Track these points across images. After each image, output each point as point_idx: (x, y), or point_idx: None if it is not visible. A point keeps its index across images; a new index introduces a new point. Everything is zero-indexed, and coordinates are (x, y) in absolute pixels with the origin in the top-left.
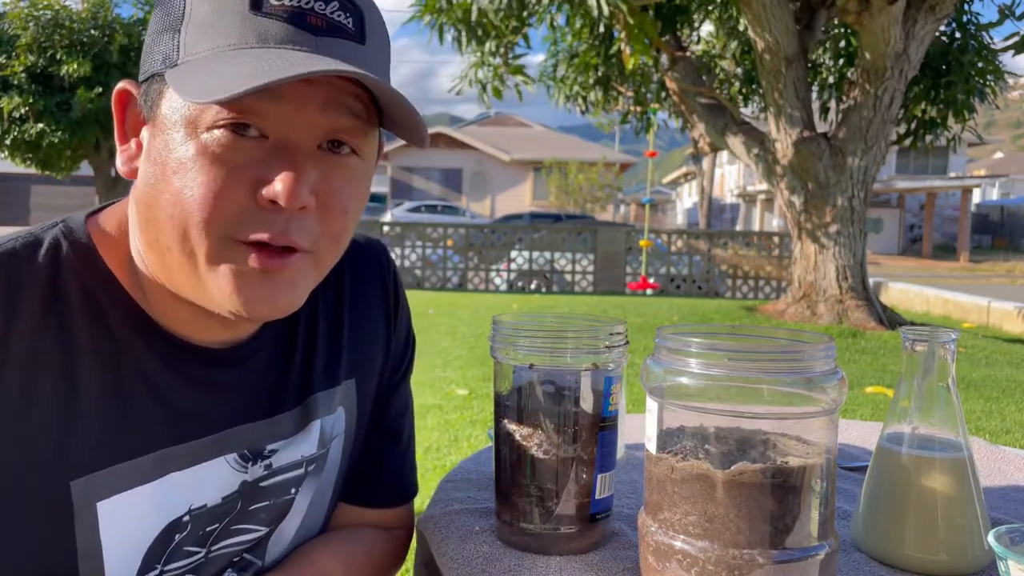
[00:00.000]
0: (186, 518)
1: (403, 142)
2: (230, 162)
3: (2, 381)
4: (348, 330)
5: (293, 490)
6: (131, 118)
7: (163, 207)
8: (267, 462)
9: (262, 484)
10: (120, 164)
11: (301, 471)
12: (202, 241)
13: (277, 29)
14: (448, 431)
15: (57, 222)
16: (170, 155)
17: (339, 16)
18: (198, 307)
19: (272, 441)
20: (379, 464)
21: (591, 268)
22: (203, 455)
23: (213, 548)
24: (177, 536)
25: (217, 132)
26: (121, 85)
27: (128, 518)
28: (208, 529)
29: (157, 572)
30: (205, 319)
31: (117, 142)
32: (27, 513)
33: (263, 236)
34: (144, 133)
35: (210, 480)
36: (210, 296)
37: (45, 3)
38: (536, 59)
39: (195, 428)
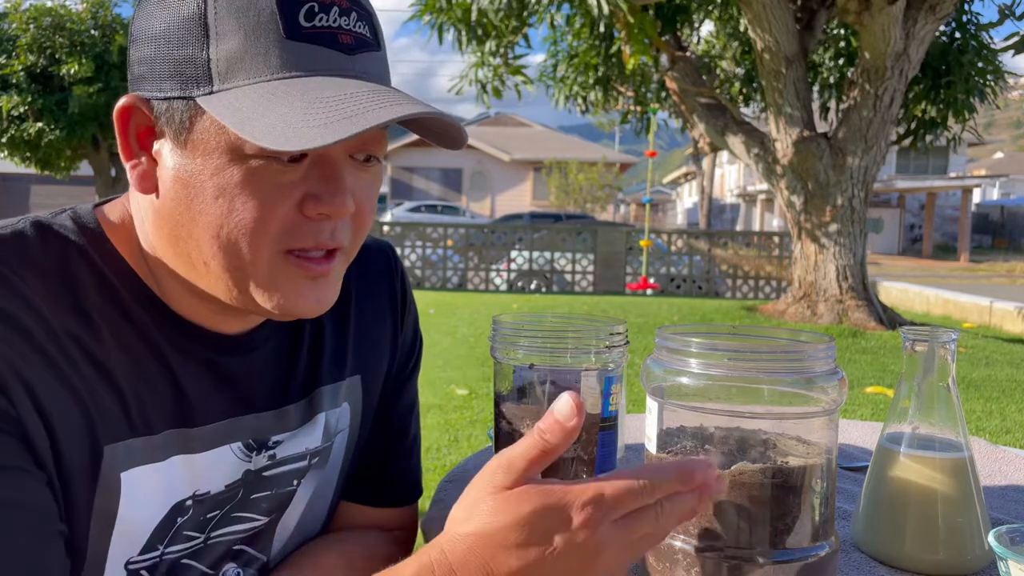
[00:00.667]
0: (189, 502)
1: (403, 142)
2: (277, 184)
3: (33, 349)
4: (354, 327)
5: (295, 482)
6: (135, 131)
7: (205, 228)
8: (271, 452)
9: (265, 474)
10: (135, 181)
11: (305, 463)
12: (255, 259)
13: (317, 55)
14: (448, 431)
15: (65, 209)
16: (210, 179)
17: (360, 27)
18: (215, 300)
19: (277, 432)
20: (384, 463)
21: (591, 268)
22: (209, 441)
23: (212, 535)
24: (179, 519)
25: (264, 159)
26: (125, 102)
27: (141, 494)
28: (209, 515)
29: (158, 553)
30: (218, 310)
31: (123, 157)
32: (63, 468)
33: (314, 244)
34: (162, 150)
35: (215, 467)
36: (253, 302)
37: (48, 8)
38: (536, 59)
39: (202, 413)
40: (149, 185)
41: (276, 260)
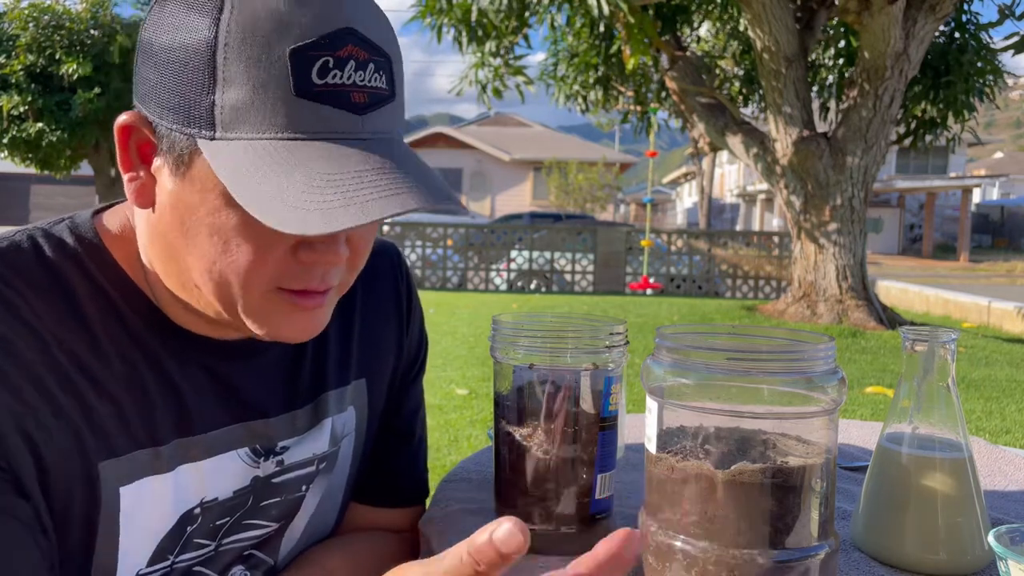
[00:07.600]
0: (197, 510)
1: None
2: (273, 230)
3: (23, 374)
4: (359, 331)
5: (304, 487)
6: (136, 145)
7: (197, 259)
8: (279, 458)
9: (274, 480)
10: (131, 194)
11: (313, 468)
12: (246, 296)
13: (325, 116)
14: (448, 431)
15: (64, 218)
16: (206, 217)
17: (376, 80)
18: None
19: (284, 437)
20: (391, 463)
21: (591, 268)
22: (215, 448)
23: (223, 542)
24: (189, 528)
25: None
26: (127, 119)
27: (146, 506)
28: (219, 522)
29: (169, 563)
30: (214, 321)
31: (121, 169)
32: (56, 493)
33: (304, 287)
34: (162, 170)
35: (222, 474)
36: (244, 325)
37: (46, 5)
38: (536, 58)
39: (203, 420)
40: (146, 200)
41: (266, 295)
